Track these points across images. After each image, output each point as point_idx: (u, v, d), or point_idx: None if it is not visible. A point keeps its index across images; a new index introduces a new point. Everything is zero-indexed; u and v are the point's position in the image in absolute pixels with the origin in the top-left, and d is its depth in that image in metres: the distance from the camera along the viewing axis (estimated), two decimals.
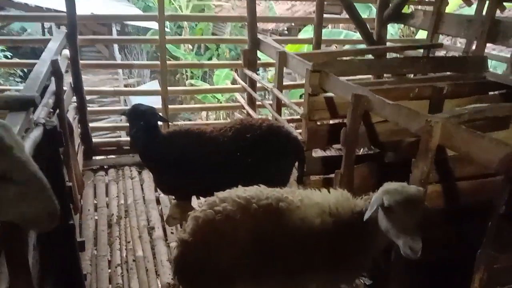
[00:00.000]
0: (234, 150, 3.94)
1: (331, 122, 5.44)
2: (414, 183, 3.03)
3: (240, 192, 2.96)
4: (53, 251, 3.13)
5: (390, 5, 6.52)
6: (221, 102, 11.97)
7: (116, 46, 15.00)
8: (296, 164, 4.33)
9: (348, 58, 5.49)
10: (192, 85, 13.53)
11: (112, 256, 4.47)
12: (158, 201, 5.46)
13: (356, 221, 2.86)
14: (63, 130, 4.33)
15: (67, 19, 5.55)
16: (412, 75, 5.37)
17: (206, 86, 10.66)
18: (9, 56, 11.74)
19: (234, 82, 12.57)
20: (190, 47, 16.02)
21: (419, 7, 7.38)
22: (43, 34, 15.12)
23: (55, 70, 4.23)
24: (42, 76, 3.66)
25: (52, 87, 4.38)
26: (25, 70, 11.47)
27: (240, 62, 6.82)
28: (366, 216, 2.72)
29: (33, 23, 14.83)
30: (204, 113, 12.49)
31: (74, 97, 5.93)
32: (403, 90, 4.23)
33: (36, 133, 2.59)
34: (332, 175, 5.26)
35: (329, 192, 3.15)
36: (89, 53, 15.84)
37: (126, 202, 5.42)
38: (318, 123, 5.03)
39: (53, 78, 4.30)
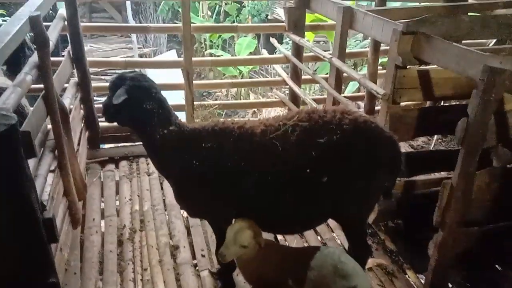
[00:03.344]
0: (302, 165, 2.55)
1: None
2: None
3: None
4: None
5: None
6: (243, 76, 10.46)
7: (129, 11, 13.59)
8: None
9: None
10: (211, 55, 12.00)
11: None
12: None
13: None
14: (53, 117, 3.06)
15: None
16: None
17: (237, 57, 9.12)
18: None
19: (257, 53, 10.98)
20: (209, 13, 14.45)
21: None
22: None
23: (35, 32, 2.91)
24: (6, 40, 2.33)
25: (34, 58, 3.09)
26: None
27: (282, 24, 5.39)
28: None
29: None
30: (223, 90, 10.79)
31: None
32: None
33: None
34: (418, 178, 3.99)
35: None
36: (100, 19, 14.50)
37: (141, 207, 4.17)
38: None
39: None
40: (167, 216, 4.07)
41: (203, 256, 3.59)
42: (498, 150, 3.40)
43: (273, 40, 5.60)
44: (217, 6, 14.41)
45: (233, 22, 15.01)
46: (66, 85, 4.47)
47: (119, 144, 5.20)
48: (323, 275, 2.48)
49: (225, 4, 14.19)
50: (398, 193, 3.84)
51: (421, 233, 3.38)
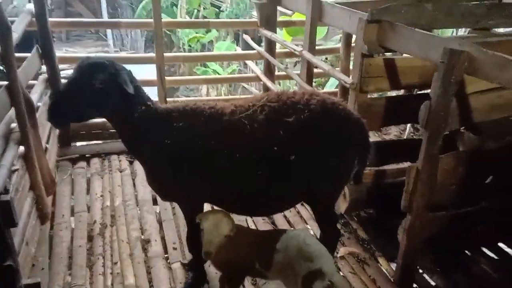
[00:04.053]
0: (269, 143, 2.59)
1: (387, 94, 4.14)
2: None
3: None
4: None
5: None
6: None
7: (105, 15, 13.48)
8: None
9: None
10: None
11: (92, 285, 3.20)
12: (155, 202, 4.15)
13: None
14: (17, 109, 3.00)
15: None
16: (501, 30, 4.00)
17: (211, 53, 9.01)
18: None
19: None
20: (187, 17, 14.40)
21: None
22: None
23: None
24: None
25: None
26: None
27: (253, 20, 5.42)
28: None
29: None
30: (204, 90, 10.90)
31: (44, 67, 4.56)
32: None
33: None
34: (386, 167, 4.04)
35: None
36: None
37: (113, 203, 4.11)
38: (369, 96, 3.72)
39: None
40: (139, 211, 4.01)
41: (174, 249, 3.55)
42: (464, 136, 3.47)
43: (246, 37, 5.62)
44: (196, 11, 14.40)
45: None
46: (35, 82, 4.41)
47: (91, 142, 5.12)
48: (289, 257, 2.48)
49: (204, 9, 14.18)
50: (368, 182, 3.88)
51: (392, 222, 3.41)
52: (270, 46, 5.19)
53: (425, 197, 3.00)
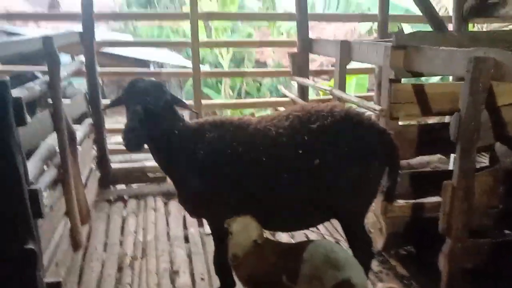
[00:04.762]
0: (294, 146, 2.61)
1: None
2: None
3: None
4: None
5: None
6: None
7: None
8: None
9: None
10: None
11: None
12: (187, 239, 4.12)
13: None
14: (59, 135, 3.20)
15: (82, 14, 4.63)
16: None
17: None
18: None
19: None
20: (231, 93, 15.11)
21: None
22: None
23: (47, 51, 3.17)
24: (14, 40, 2.56)
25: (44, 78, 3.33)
26: None
27: (287, 69, 5.65)
28: None
29: None
30: None
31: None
32: None
33: None
34: (426, 200, 3.85)
35: None
36: None
37: (145, 238, 4.12)
38: (401, 123, 3.69)
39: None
40: (169, 246, 3.98)
41: (202, 279, 3.45)
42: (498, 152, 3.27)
43: (280, 87, 5.82)
44: (239, 85, 15.09)
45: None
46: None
47: (130, 185, 5.28)
48: (315, 267, 2.35)
49: (245, 84, 14.84)
50: (406, 216, 3.70)
51: (433, 258, 3.17)
52: (303, 91, 5.35)
53: (464, 217, 2.82)
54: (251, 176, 2.66)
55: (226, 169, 2.67)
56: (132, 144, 2.57)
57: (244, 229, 2.40)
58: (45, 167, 3.32)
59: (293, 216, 2.77)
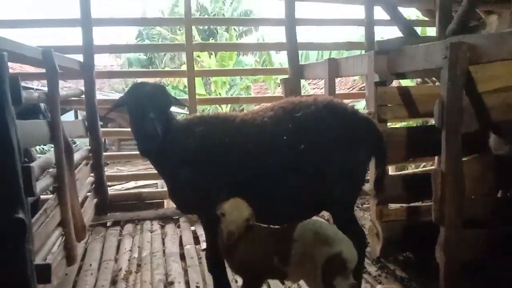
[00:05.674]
0: (279, 134, 2.69)
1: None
2: None
3: None
4: None
5: (454, 17, 5.51)
6: None
7: None
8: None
9: None
10: None
11: None
12: (182, 257, 4.04)
13: None
14: (56, 145, 3.29)
15: (83, 45, 4.88)
16: None
17: None
18: None
19: None
20: None
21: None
22: None
23: (47, 64, 3.33)
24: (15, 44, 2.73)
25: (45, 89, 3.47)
26: None
27: (280, 95, 5.83)
28: None
29: None
30: None
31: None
32: None
33: None
34: (421, 203, 3.85)
35: None
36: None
37: (140, 255, 4.06)
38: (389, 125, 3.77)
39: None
40: (165, 261, 3.91)
41: (197, 287, 3.37)
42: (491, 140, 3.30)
43: None
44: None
45: None
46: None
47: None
48: (306, 245, 2.33)
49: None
50: (402, 221, 3.69)
51: (432, 263, 3.13)
52: None
53: (456, 203, 2.82)
54: (240, 164, 2.72)
55: (216, 159, 2.73)
56: (151, 149, 2.72)
57: (236, 209, 2.44)
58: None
59: (282, 206, 2.77)
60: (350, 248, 2.33)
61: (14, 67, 7.94)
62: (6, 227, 1.93)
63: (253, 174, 2.71)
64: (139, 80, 5.26)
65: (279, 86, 14.81)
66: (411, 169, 6.82)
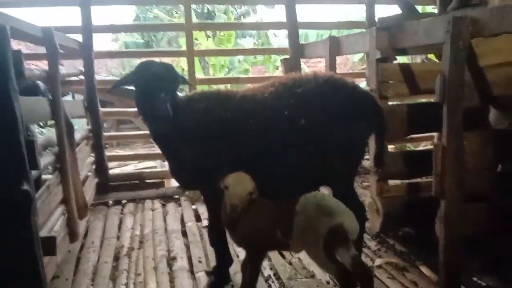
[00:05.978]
0: (280, 109, 2.70)
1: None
2: None
3: None
4: None
5: None
6: None
7: None
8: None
9: None
10: None
11: None
12: (184, 234, 4.09)
13: None
14: (57, 123, 3.28)
15: (82, 25, 4.83)
16: None
17: None
18: None
19: None
20: None
21: None
22: None
23: (47, 43, 3.31)
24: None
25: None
26: None
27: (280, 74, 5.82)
28: None
29: None
30: None
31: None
32: None
33: None
34: (420, 180, 3.88)
35: None
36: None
37: (142, 232, 4.11)
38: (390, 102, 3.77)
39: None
40: (167, 238, 3.96)
41: (200, 262, 3.42)
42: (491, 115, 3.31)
43: None
44: None
45: None
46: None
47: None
48: (308, 217, 2.36)
49: None
50: (401, 196, 3.72)
51: (432, 238, 3.15)
52: None
53: (457, 177, 2.84)
54: (241, 139, 2.72)
55: (217, 134, 2.73)
56: (163, 131, 2.71)
57: (240, 182, 2.47)
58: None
59: (283, 181, 2.79)
60: (352, 219, 2.36)
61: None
62: (13, 198, 1.94)
63: (254, 149, 2.72)
64: (138, 61, 5.23)
65: (277, 69, 14.81)
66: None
